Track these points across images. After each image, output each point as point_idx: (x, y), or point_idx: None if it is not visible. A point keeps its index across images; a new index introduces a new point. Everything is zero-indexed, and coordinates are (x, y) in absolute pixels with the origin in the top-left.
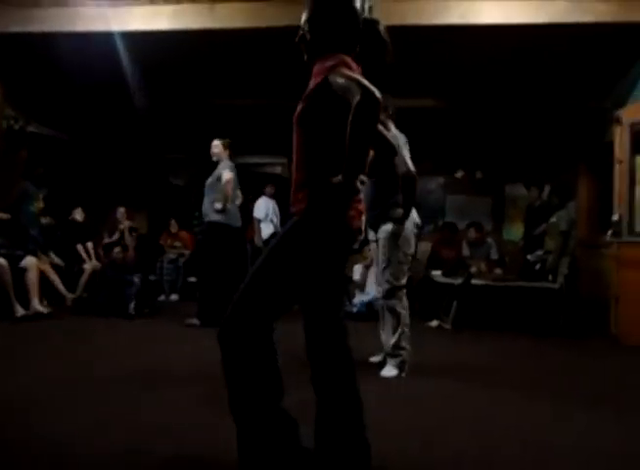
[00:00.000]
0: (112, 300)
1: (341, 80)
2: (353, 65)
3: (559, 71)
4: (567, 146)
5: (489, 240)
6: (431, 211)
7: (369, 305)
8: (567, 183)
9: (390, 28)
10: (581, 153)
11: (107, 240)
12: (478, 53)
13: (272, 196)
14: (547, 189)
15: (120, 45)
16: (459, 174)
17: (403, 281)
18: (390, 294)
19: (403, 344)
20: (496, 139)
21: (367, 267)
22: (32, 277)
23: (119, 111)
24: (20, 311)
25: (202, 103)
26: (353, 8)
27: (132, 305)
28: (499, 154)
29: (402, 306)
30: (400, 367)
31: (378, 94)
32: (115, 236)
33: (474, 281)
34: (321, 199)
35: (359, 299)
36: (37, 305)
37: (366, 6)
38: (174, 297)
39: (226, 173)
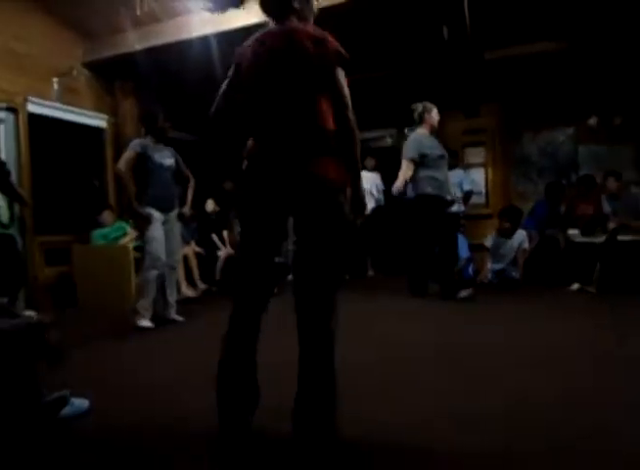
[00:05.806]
0: None
1: None
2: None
3: None
4: None
5: (635, 190)
6: (560, 166)
7: (500, 272)
8: None
9: None
10: None
11: (239, 229)
12: None
13: (374, 168)
14: None
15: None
16: (593, 121)
17: None
18: None
19: None
20: (637, 77)
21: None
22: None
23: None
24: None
25: None
26: None
27: None
28: None
29: None
30: None
31: None
32: None
33: (620, 238)
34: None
35: (491, 267)
36: (186, 290)
37: None
38: None
39: None
